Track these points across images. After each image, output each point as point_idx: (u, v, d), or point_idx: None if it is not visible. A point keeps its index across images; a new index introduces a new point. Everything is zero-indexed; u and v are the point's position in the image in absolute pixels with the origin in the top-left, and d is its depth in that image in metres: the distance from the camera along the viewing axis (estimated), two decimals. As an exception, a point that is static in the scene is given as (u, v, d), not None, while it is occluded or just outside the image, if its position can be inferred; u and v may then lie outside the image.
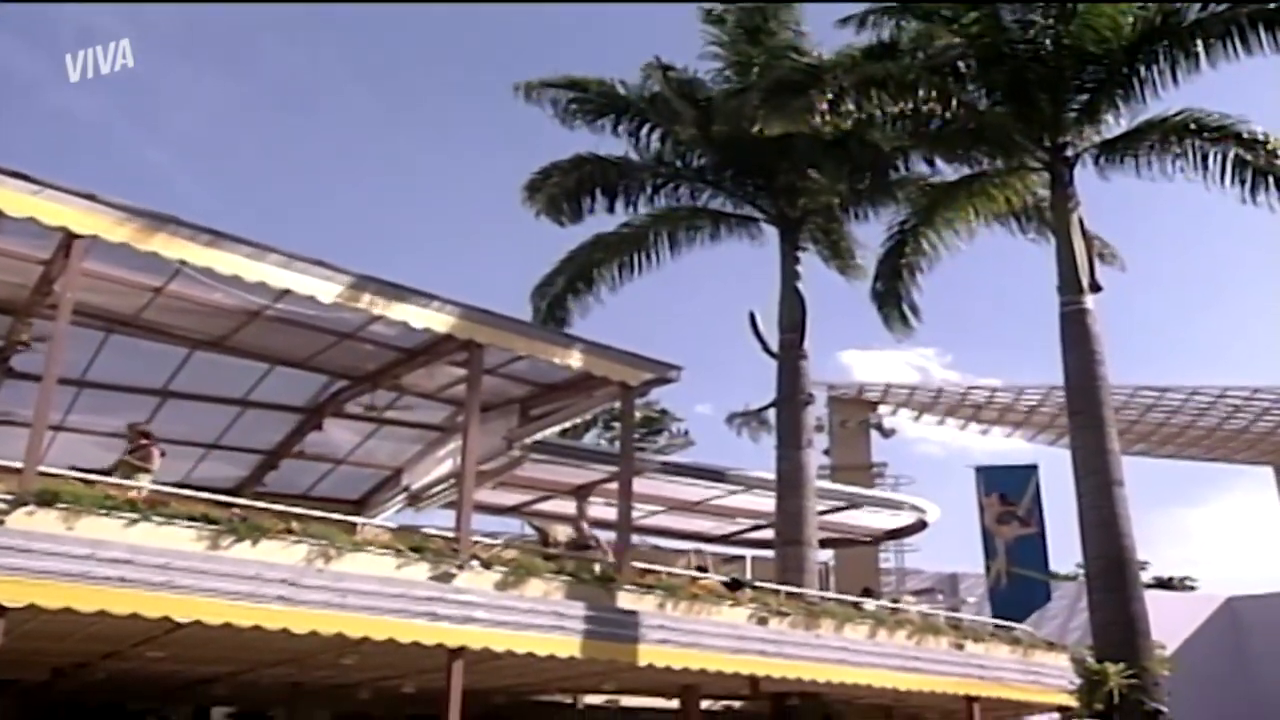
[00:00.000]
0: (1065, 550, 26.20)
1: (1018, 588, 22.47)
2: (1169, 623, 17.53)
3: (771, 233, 18.60)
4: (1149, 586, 18.05)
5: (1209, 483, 73.04)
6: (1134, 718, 13.28)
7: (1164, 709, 13.53)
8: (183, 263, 10.47)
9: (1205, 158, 15.21)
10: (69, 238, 9.86)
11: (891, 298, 17.65)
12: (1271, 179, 14.87)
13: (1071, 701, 14.86)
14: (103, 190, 9.87)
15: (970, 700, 15.98)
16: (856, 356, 61.22)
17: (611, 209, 18.37)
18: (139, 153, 59.84)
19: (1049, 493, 23.54)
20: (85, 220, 9.79)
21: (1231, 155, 15.04)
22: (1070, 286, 15.28)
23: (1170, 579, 39.30)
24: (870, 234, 18.98)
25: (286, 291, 11.11)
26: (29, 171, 9.45)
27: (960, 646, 15.93)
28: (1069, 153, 15.84)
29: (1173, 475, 60.77)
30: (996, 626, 17.66)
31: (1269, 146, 14.86)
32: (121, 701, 16.51)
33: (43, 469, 9.62)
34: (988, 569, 23.22)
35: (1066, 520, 15.51)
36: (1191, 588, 38.58)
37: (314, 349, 13.57)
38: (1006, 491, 23.42)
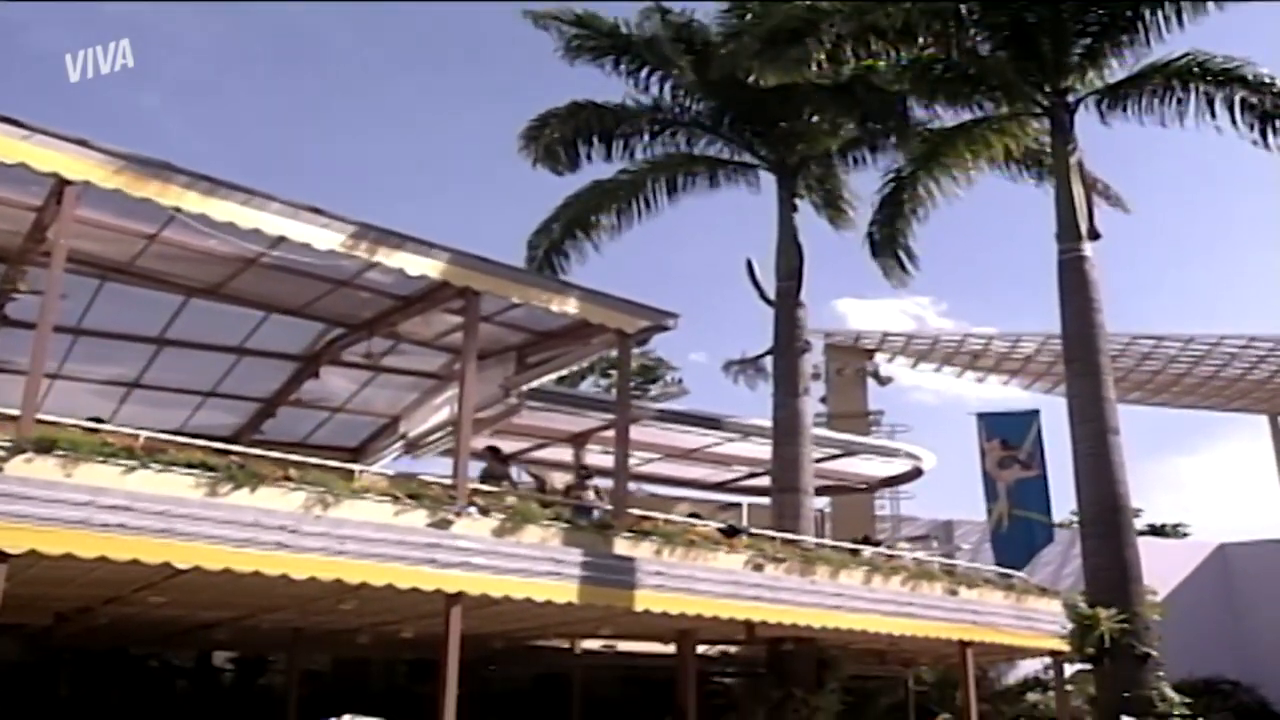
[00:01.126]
0: (1060, 497, 26.32)
1: (1019, 529, 22.61)
2: (1161, 569, 17.69)
3: (769, 180, 18.48)
4: (1142, 533, 18.18)
5: (1203, 431, 73.39)
6: (1124, 661, 13.45)
7: (1154, 652, 13.69)
8: (177, 209, 10.41)
9: (1210, 102, 15.06)
10: (61, 184, 9.79)
11: (888, 246, 17.57)
12: (1278, 122, 14.74)
13: (1063, 646, 15.04)
14: (94, 135, 9.80)
15: (964, 645, 16.18)
16: (852, 305, 61.12)
17: (609, 157, 18.21)
18: (131, 97, 59.22)
19: (1046, 440, 23.60)
20: (77, 166, 9.71)
21: (1238, 98, 14.89)
22: (1069, 234, 15.21)
23: (1163, 526, 39.60)
24: (864, 183, 18.89)
25: (281, 238, 11.07)
26: (18, 116, 9.36)
27: (954, 592, 16.08)
28: (1070, 98, 15.69)
29: (1167, 423, 61.04)
30: (991, 572, 17.83)
31: (1276, 89, 14.71)
32: (124, 646, 16.69)
33: (40, 416, 9.64)
34: (989, 512, 23.32)
35: (1061, 468, 15.61)
36: (1184, 535, 38.88)
37: (310, 296, 13.54)
38: (1008, 437, 23.46)
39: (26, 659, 14.84)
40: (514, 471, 15.23)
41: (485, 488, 12.59)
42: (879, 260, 17.81)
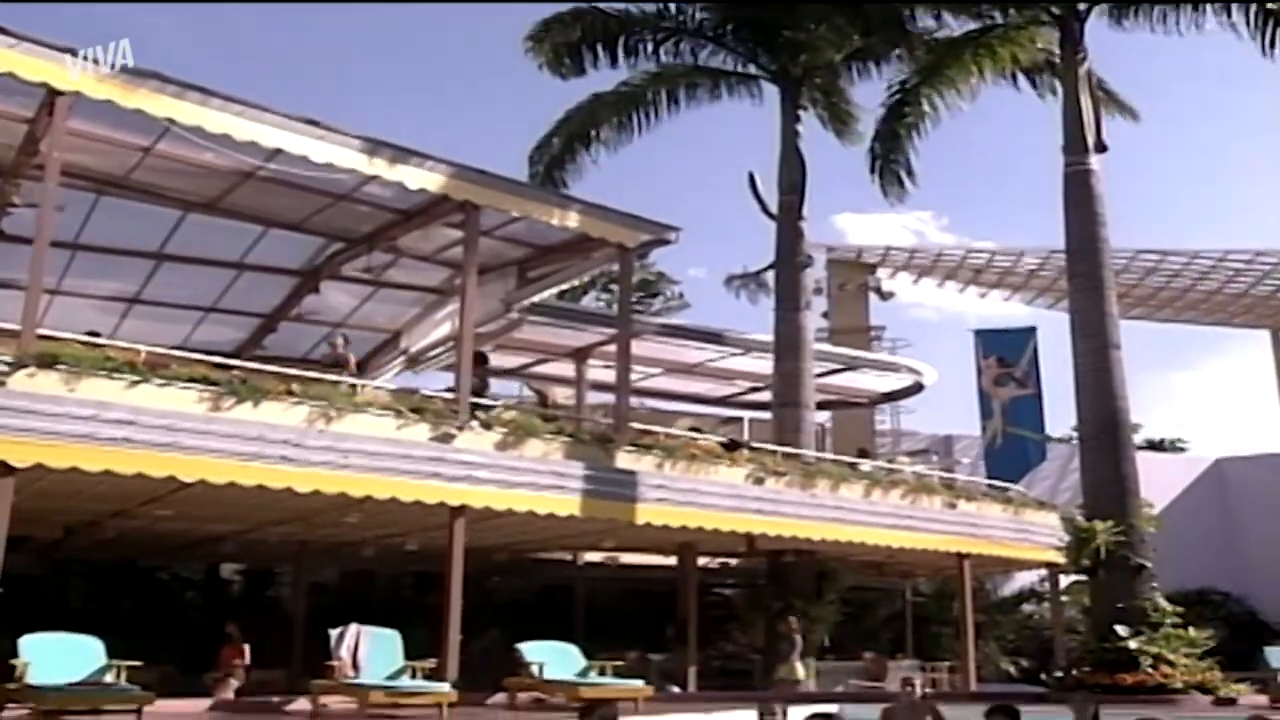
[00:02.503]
0: (1059, 414, 26.43)
1: (1013, 447, 22.76)
2: (1158, 483, 17.84)
3: (772, 91, 18.19)
4: (1140, 448, 18.30)
5: (1204, 346, 73.44)
6: (1119, 572, 13.66)
7: (1148, 564, 13.89)
8: (171, 121, 10.26)
9: (1228, 5, 14.69)
10: (51, 95, 9.63)
11: (889, 161, 17.33)
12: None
13: (1059, 558, 15.26)
14: (82, 43, 9.60)
15: (961, 557, 16.39)
16: (851, 220, 60.53)
17: (614, 64, 17.90)
18: (117, 4, 57.91)
19: (1045, 357, 23.63)
20: (67, 76, 9.53)
21: (1253, 5, 14.54)
22: (1075, 146, 15.02)
23: (1161, 441, 39.85)
24: (868, 95, 18.58)
25: (278, 151, 10.95)
26: (4, 24, 9.18)
27: (953, 505, 16.24)
28: (1081, 5, 15.35)
29: (1167, 337, 61.02)
30: (989, 486, 17.99)
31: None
32: (132, 558, 16.94)
33: (42, 332, 9.65)
34: (984, 429, 23.45)
35: (1061, 384, 15.69)
36: (1182, 449, 39.15)
37: (308, 211, 13.41)
38: (1004, 354, 23.47)
39: (37, 571, 15.06)
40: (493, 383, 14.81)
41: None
42: (879, 176, 17.62)
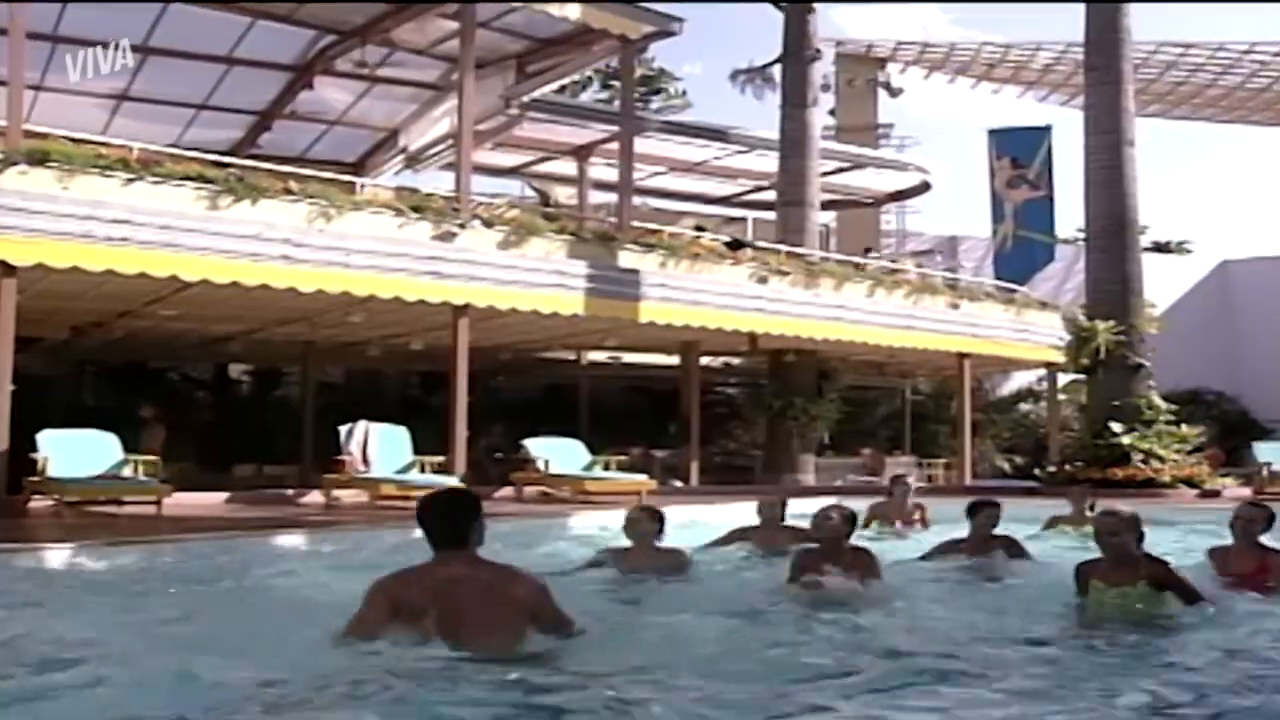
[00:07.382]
0: (1065, 214, 26.01)
1: (1022, 250, 22.57)
2: (1162, 284, 17.83)
3: None
4: (1146, 249, 18.16)
5: (1214, 145, 71.93)
6: (1117, 371, 13.82)
7: (1146, 363, 14.04)
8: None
9: None
10: None
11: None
12: None
13: (1059, 358, 15.41)
14: None
15: (962, 357, 16.54)
16: (852, 12, 57.28)
17: None
18: None
19: (1055, 159, 23.10)
20: None
21: None
22: (1103, -72, 14.26)
23: (1168, 243, 39.59)
24: None
25: (261, -66, 10.41)
26: None
27: (956, 306, 16.28)
28: None
29: (1180, 135, 59.56)
30: (993, 287, 17.97)
31: None
32: (142, 361, 17.15)
33: (30, 128, 9.42)
34: (994, 232, 23.18)
35: (1067, 187, 15.35)
36: (1188, 252, 38.95)
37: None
38: (1018, 155, 22.92)
39: (50, 371, 15.26)
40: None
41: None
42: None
